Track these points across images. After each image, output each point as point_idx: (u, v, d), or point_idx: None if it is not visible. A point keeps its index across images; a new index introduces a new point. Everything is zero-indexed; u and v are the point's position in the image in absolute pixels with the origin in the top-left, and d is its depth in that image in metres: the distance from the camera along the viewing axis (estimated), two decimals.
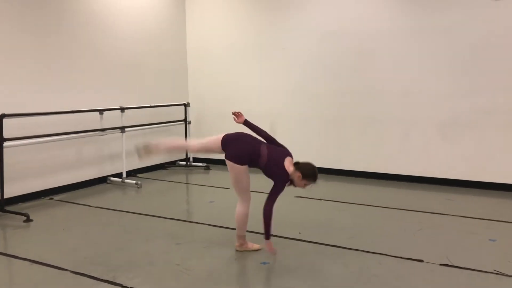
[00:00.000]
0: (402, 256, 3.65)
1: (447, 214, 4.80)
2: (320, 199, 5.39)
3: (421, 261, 3.56)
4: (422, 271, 3.40)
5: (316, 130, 6.88)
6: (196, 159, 7.68)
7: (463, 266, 3.44)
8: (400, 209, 5.01)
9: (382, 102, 6.37)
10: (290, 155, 3.63)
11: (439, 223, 4.54)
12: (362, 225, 4.49)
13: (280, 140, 3.80)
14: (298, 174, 3.49)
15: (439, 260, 3.56)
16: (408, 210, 4.97)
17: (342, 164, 6.73)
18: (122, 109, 6.26)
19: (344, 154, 6.73)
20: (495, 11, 5.57)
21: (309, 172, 3.52)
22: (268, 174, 3.58)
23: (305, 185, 3.55)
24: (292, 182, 3.56)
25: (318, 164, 3.67)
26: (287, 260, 3.63)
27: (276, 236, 3.99)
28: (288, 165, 3.53)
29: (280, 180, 3.52)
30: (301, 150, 6.89)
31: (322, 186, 5.79)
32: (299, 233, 4.19)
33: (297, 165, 3.55)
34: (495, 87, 5.67)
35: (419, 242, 4.00)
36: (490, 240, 4.03)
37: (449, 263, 3.49)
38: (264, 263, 3.57)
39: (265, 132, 3.80)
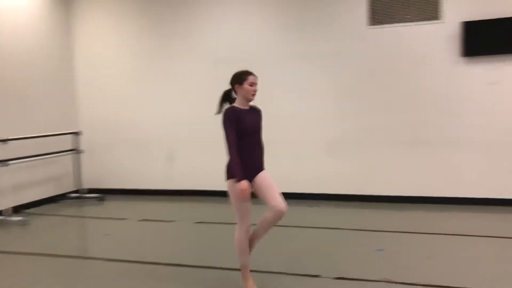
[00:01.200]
0: (299, 273, 3.78)
1: (339, 228, 5.07)
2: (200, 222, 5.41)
3: (317, 276, 3.71)
4: (318, 285, 3.54)
5: (214, 153, 6.90)
6: (89, 190, 7.29)
7: (355, 278, 3.65)
8: (292, 226, 5.20)
9: (273, 124, 6.62)
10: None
11: (331, 237, 4.78)
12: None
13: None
14: (236, 84, 3.28)
15: (334, 274, 3.73)
16: (300, 226, 5.17)
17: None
18: (3, 141, 5.77)
19: None
20: (370, 39, 6.13)
21: (239, 72, 3.32)
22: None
23: (252, 85, 3.27)
24: (240, 100, 3.32)
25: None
26: None
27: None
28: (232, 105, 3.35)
29: (223, 121, 3.23)
30: (200, 175, 6.90)
31: (204, 207, 5.83)
32: None
33: (231, 89, 3.36)
34: (373, 108, 6.19)
35: (313, 257, 4.16)
36: (377, 250, 4.32)
37: (344, 276, 3.68)
38: None
39: None
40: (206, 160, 6.73)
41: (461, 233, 4.75)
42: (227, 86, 3.44)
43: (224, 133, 3.22)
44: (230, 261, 3.92)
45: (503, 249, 4.28)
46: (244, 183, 3.10)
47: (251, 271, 3.44)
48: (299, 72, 6.47)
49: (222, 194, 6.54)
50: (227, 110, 3.29)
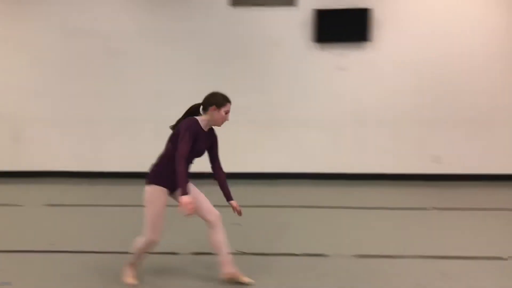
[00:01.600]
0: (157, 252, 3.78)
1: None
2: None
3: (175, 253, 3.76)
4: (179, 263, 3.58)
5: (69, 131, 6.52)
6: None
7: (208, 252, 3.77)
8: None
9: (135, 103, 6.46)
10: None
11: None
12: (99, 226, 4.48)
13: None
14: (213, 106, 3.10)
15: (192, 249, 3.82)
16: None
17: (100, 166, 6.56)
18: None
19: (101, 155, 6.57)
20: (231, 19, 6.25)
21: (220, 96, 3.18)
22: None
23: (226, 113, 3.15)
24: (205, 122, 3.14)
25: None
26: None
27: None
28: (196, 117, 3.14)
29: (185, 129, 3.00)
30: (56, 153, 6.45)
31: (69, 191, 5.55)
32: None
33: (202, 106, 3.17)
34: (233, 88, 6.34)
35: (174, 236, 4.20)
36: (232, 224, 4.49)
37: (198, 251, 3.78)
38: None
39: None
40: (55, 137, 6.34)
41: (312, 205, 5.18)
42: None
43: (180, 140, 2.97)
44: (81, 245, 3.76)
45: (350, 218, 4.75)
46: (189, 197, 2.91)
47: None
48: (160, 50, 6.36)
49: (69, 175, 6.32)
50: (193, 121, 3.08)
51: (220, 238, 3.21)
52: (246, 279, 3.19)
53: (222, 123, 3.20)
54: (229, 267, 3.16)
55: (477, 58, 6.15)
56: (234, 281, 3.17)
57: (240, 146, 6.44)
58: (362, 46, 6.18)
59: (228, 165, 6.44)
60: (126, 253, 3.25)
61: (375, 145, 6.36)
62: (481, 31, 6.11)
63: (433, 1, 6.11)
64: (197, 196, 3.20)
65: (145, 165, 6.51)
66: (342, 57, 6.24)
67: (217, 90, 3.22)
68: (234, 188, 6.03)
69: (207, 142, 3.21)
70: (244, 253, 3.77)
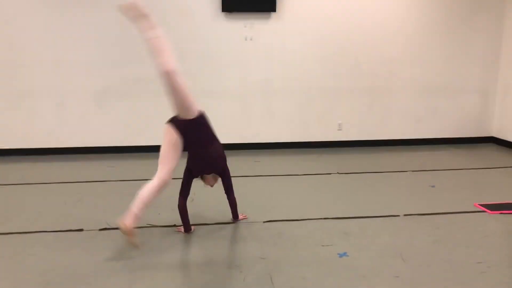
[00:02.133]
0: (63, 229, 3.64)
1: (108, 181, 5.03)
2: None
3: (81, 230, 3.64)
4: (83, 239, 3.48)
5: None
6: None
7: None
8: (59, 182, 4.95)
9: (32, 74, 6.02)
10: None
11: (100, 191, 4.71)
12: (17, 206, 4.22)
13: None
14: None
15: (99, 226, 3.72)
16: (68, 182, 4.95)
17: None
18: None
19: None
20: None
21: None
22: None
23: (216, 181, 3.58)
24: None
25: None
26: None
27: None
28: None
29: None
30: None
31: None
32: None
33: None
34: (143, 58, 6.16)
35: (78, 213, 4.06)
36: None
37: (108, 227, 3.70)
38: None
39: None
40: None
41: None
42: None
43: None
44: None
45: (260, 186, 4.88)
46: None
47: None
48: (60, 18, 5.94)
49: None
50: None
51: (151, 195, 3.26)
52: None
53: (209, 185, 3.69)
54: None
55: (378, 30, 6.48)
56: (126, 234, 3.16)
57: (150, 119, 6.30)
58: (268, 16, 6.25)
59: (139, 139, 6.41)
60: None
61: (283, 115, 6.54)
62: (382, 5, 6.43)
63: None
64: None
65: (48, 142, 6.22)
66: (249, 27, 6.27)
67: None
68: (147, 162, 5.98)
69: None
70: (153, 226, 3.74)
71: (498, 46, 6.76)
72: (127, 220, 3.14)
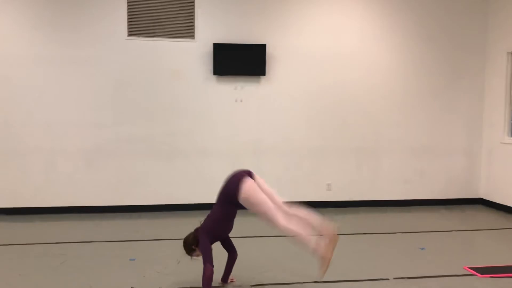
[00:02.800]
0: None
1: (94, 241, 4.94)
2: None
3: None
4: None
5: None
6: None
7: None
8: (43, 243, 4.85)
9: (23, 133, 6.07)
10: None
11: (85, 252, 4.61)
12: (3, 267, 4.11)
13: None
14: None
15: None
16: (53, 243, 4.86)
17: None
18: None
19: None
20: (130, 50, 6.19)
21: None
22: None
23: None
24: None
25: None
26: None
27: None
28: None
29: None
30: None
31: None
32: None
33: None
34: (135, 118, 6.27)
35: (62, 275, 3.96)
36: (130, 259, 4.36)
37: None
38: None
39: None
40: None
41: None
42: None
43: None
44: None
45: (252, 247, 4.82)
46: None
47: None
48: (53, 77, 6.08)
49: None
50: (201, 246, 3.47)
51: None
52: None
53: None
54: None
55: (365, 93, 6.69)
56: None
57: (140, 178, 6.30)
58: (258, 79, 6.44)
59: (128, 198, 6.39)
60: None
61: (272, 174, 6.56)
62: (370, 71, 6.68)
63: (322, 38, 6.57)
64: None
65: (35, 201, 6.15)
66: (240, 90, 6.44)
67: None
68: (135, 222, 5.92)
69: None
70: None
71: (481, 109, 6.98)
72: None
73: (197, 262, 4.28)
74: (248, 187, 3.38)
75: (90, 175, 6.22)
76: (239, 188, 3.39)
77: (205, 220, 3.62)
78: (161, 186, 6.37)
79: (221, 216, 3.54)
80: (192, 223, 5.78)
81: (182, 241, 3.59)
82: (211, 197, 6.43)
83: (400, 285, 3.77)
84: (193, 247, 3.50)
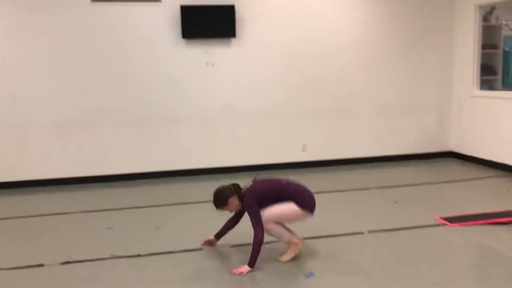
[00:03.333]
0: (20, 266, 3.51)
1: (70, 213, 4.90)
2: None
3: (41, 265, 3.52)
4: (44, 275, 3.36)
5: None
6: None
7: (83, 259, 3.60)
8: (18, 217, 4.79)
9: None
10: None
11: (61, 223, 4.58)
12: None
13: None
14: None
15: (60, 259, 3.61)
16: (28, 216, 4.80)
17: None
18: None
19: None
20: (95, 15, 5.97)
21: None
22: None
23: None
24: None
25: None
26: None
27: None
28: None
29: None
30: None
31: None
32: None
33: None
34: (104, 87, 6.12)
35: (39, 246, 3.93)
36: (107, 228, 4.36)
37: (70, 260, 3.59)
38: None
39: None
40: None
41: (187, 201, 5.19)
42: None
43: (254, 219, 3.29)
44: None
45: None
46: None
47: None
48: (15, 47, 5.84)
49: None
50: (248, 198, 3.39)
51: None
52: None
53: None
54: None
55: (337, 54, 6.66)
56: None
57: (113, 147, 6.21)
58: (228, 42, 6.34)
59: (99, 168, 6.33)
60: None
61: (248, 138, 6.58)
62: (341, 31, 6.63)
63: None
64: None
65: (5, 175, 6.02)
66: (210, 53, 6.33)
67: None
68: (111, 192, 5.89)
69: None
70: (115, 257, 3.65)
71: (450, 64, 7.06)
72: None
73: (176, 228, 4.31)
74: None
75: (61, 147, 6.10)
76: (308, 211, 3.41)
77: (260, 183, 3.51)
78: (134, 154, 6.30)
79: (276, 197, 3.39)
80: (167, 189, 5.84)
81: (213, 192, 3.50)
82: (185, 164, 6.52)
83: (374, 238, 3.88)
84: (229, 200, 3.38)
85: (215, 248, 3.76)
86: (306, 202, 3.38)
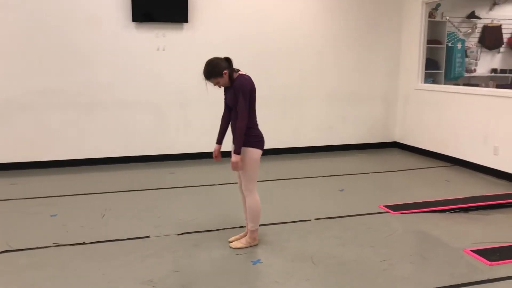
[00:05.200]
0: None
1: (10, 199, 4.71)
2: None
3: None
4: None
5: None
6: None
7: (24, 248, 3.48)
8: None
9: None
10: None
11: (1, 210, 4.39)
12: None
13: None
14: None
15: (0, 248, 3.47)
16: None
17: None
18: None
19: None
20: None
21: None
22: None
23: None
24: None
25: None
26: None
27: None
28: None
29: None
30: None
31: None
32: None
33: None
34: (49, 69, 5.86)
35: None
36: (51, 215, 4.22)
37: (9, 249, 3.46)
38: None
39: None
40: None
41: (135, 189, 5.11)
42: None
43: (241, 101, 3.26)
44: None
45: (178, 198, 4.82)
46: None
47: None
48: None
49: None
50: (245, 78, 3.38)
51: None
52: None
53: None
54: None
55: (287, 42, 6.71)
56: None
57: (58, 132, 5.99)
58: (181, 27, 6.24)
59: (47, 154, 6.08)
60: None
61: (200, 125, 6.53)
62: (291, 20, 6.67)
63: None
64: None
65: None
66: (161, 37, 6.21)
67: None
68: (56, 178, 5.70)
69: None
70: (61, 245, 3.56)
71: (397, 57, 7.29)
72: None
73: (122, 216, 4.24)
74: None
75: (2, 130, 5.81)
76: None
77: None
78: (81, 140, 6.11)
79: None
80: (114, 176, 5.72)
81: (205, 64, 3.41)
82: (134, 150, 6.40)
83: (320, 225, 3.98)
84: (224, 72, 3.31)
85: (162, 236, 3.73)
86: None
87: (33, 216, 4.23)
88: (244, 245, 3.50)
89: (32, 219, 4.16)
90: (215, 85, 3.40)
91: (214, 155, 3.68)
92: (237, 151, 3.28)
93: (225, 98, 3.51)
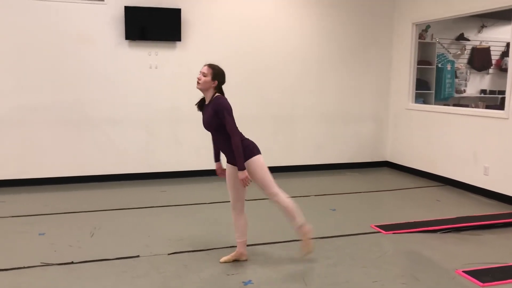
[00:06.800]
0: None
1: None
2: None
3: None
4: None
5: None
6: None
7: (10, 267, 3.41)
8: None
9: None
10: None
11: None
12: None
13: None
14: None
15: None
16: None
17: None
18: None
19: None
20: (31, 10, 5.70)
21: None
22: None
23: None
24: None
25: None
26: None
27: None
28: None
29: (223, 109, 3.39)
30: None
31: None
32: None
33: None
34: (39, 85, 5.84)
35: None
36: (39, 234, 4.15)
37: None
38: None
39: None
40: None
41: (124, 207, 5.06)
42: None
43: (229, 119, 3.34)
44: None
45: (165, 217, 4.77)
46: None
47: None
48: None
49: None
50: (224, 98, 3.46)
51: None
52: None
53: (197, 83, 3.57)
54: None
55: (279, 62, 6.77)
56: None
57: (48, 149, 5.94)
58: (173, 45, 6.26)
59: (35, 171, 6.02)
60: None
61: (191, 143, 6.51)
62: (283, 39, 6.73)
63: (238, 3, 6.50)
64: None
65: None
66: (154, 56, 6.23)
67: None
68: (44, 196, 5.62)
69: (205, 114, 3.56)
70: (48, 264, 3.49)
71: (388, 77, 7.37)
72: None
73: (112, 234, 4.18)
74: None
75: None
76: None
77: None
78: (71, 156, 6.06)
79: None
80: (103, 194, 5.66)
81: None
82: (124, 168, 6.36)
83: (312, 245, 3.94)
84: (216, 81, 3.53)
85: (152, 256, 3.68)
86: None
87: (20, 234, 4.16)
88: (307, 245, 3.57)
89: (19, 237, 4.08)
90: (199, 77, 3.52)
91: (217, 173, 3.78)
92: (242, 167, 3.29)
93: (202, 121, 3.55)
